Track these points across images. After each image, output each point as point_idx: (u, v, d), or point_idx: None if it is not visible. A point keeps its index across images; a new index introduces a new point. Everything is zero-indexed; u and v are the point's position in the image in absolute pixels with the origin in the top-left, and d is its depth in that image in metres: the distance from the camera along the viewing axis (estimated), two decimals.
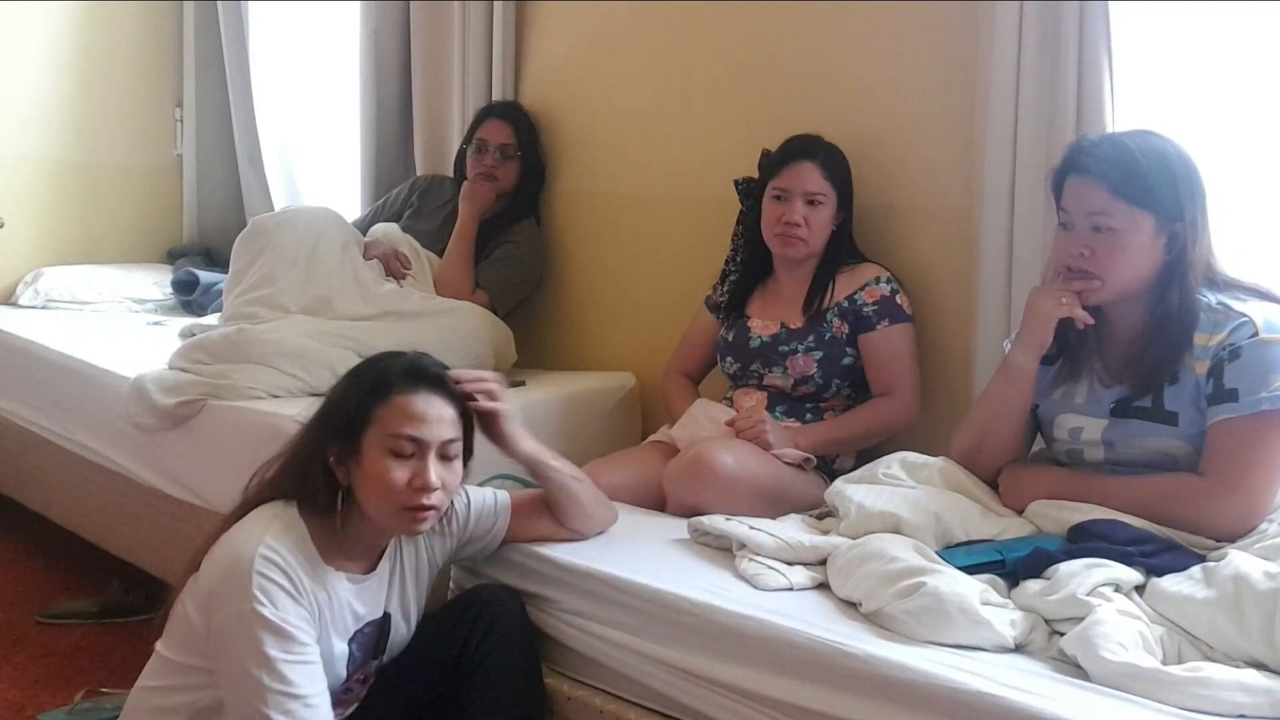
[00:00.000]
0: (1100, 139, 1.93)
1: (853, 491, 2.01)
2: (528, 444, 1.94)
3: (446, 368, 1.81)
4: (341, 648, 1.77)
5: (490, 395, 1.86)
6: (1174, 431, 1.83)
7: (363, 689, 1.88)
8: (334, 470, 1.73)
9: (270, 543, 1.66)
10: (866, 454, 2.40)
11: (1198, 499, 1.78)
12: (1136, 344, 1.89)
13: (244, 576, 1.62)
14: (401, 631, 1.89)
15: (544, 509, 2.02)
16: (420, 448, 1.70)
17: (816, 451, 2.39)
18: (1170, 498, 1.80)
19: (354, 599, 1.77)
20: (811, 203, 2.46)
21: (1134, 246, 1.84)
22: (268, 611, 1.61)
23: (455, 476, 1.77)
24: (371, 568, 1.81)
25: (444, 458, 1.74)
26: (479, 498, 1.98)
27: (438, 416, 1.72)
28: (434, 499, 1.70)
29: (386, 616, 1.85)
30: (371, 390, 1.73)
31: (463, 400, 1.80)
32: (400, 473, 1.69)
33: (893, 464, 2.08)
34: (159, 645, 1.78)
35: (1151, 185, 1.82)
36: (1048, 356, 1.99)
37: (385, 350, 1.84)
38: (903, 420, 2.45)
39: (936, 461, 2.06)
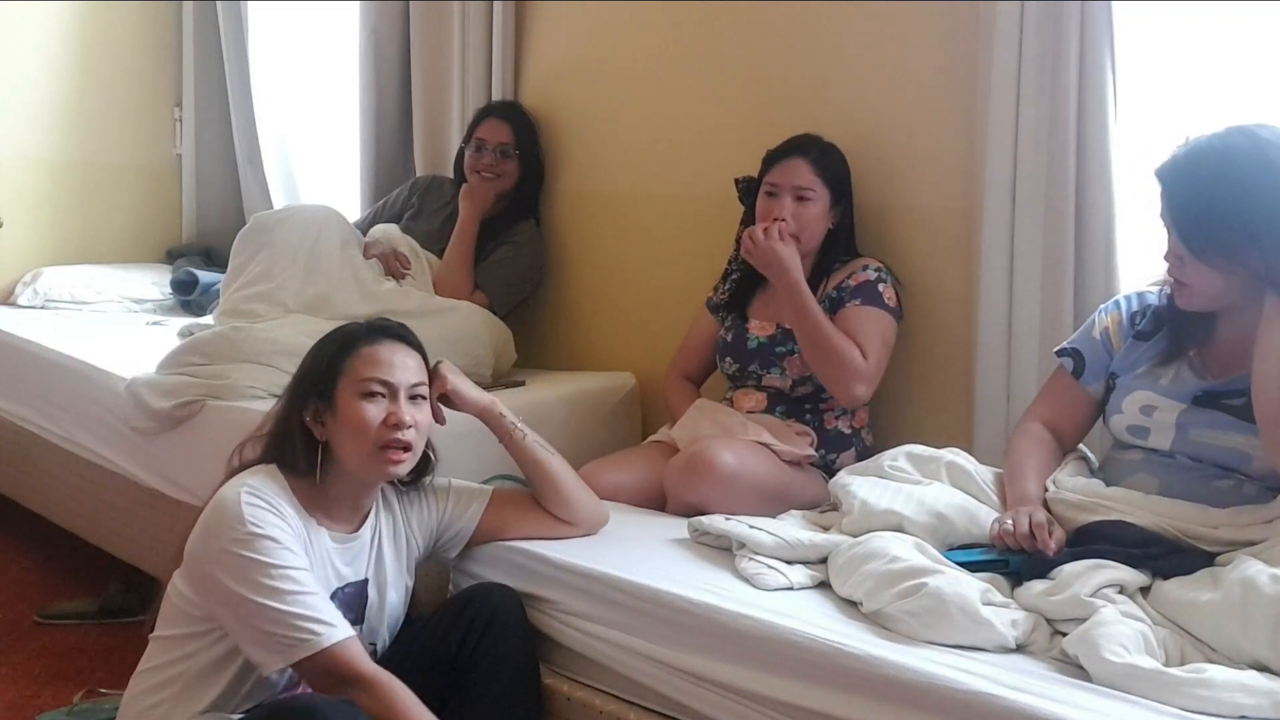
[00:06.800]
0: (1186, 179, 1.79)
1: (857, 486, 2.00)
2: (475, 391, 2.04)
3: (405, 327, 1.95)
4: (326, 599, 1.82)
5: None
6: (1256, 430, 1.78)
7: None
8: (311, 429, 1.83)
9: (251, 484, 1.76)
10: (866, 453, 2.41)
11: None
12: (1246, 344, 1.81)
13: (233, 511, 1.71)
14: (375, 605, 1.93)
15: (531, 502, 2.08)
16: (390, 390, 1.83)
17: (790, 307, 2.36)
18: None
19: (336, 556, 1.85)
20: (801, 198, 2.46)
21: (1213, 279, 1.81)
22: (262, 529, 1.71)
23: (425, 418, 1.89)
24: (354, 530, 1.89)
25: (413, 400, 1.86)
26: (461, 481, 2.07)
27: (402, 363, 1.86)
28: (407, 436, 1.82)
29: (365, 582, 1.91)
30: (340, 348, 1.86)
31: (423, 351, 1.93)
32: (374, 413, 1.81)
33: (899, 456, 2.07)
34: (152, 635, 1.84)
35: (1228, 250, 1.76)
36: (1142, 332, 1.97)
37: None
38: (857, 375, 2.33)
39: (944, 454, 2.06)
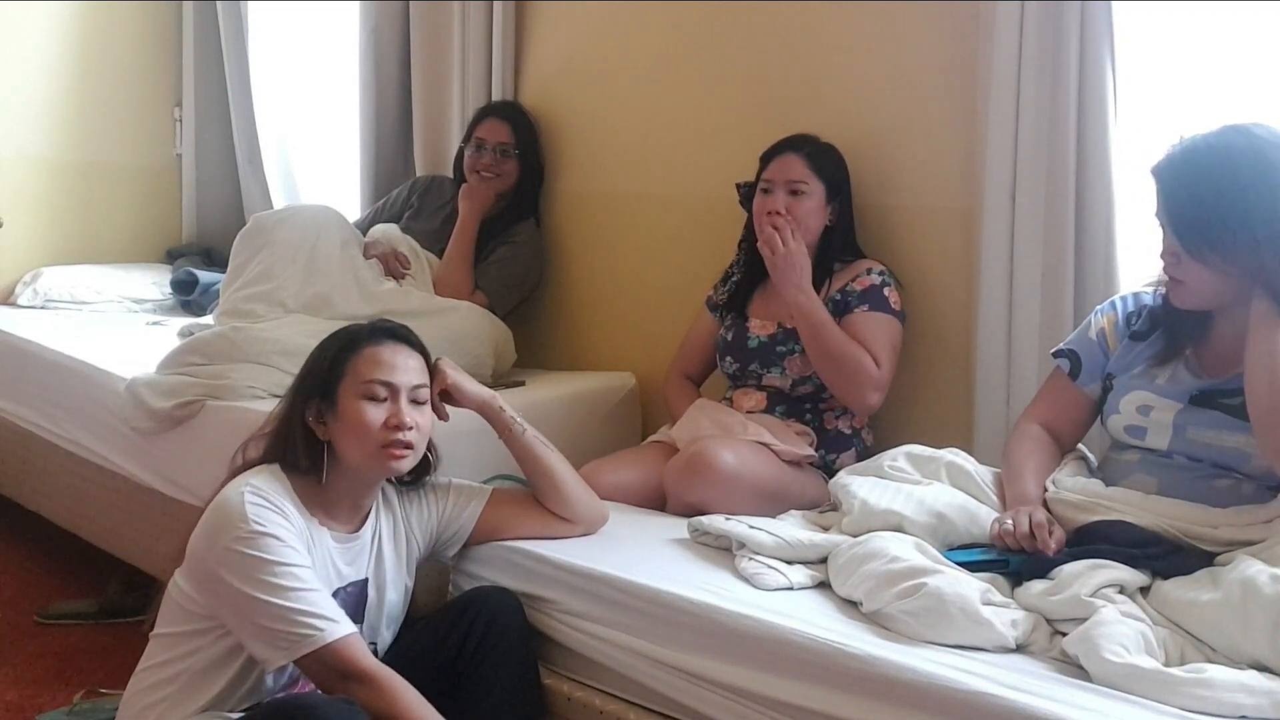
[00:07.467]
0: (1182, 177, 1.80)
1: (857, 486, 2.00)
2: (474, 386, 2.05)
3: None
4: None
5: None
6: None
7: None
8: (313, 429, 1.85)
9: (255, 484, 1.77)
10: (866, 453, 2.41)
11: None
12: (1242, 343, 1.80)
13: (236, 510, 1.73)
14: (374, 604, 1.93)
15: (530, 501, 2.08)
16: (392, 392, 1.85)
17: (803, 324, 2.37)
18: None
19: (337, 555, 1.86)
20: (795, 192, 2.46)
21: (1208, 277, 1.81)
22: (265, 527, 1.72)
23: (426, 420, 1.90)
24: (355, 530, 1.90)
25: (414, 402, 1.88)
26: (460, 481, 2.08)
27: (404, 364, 1.88)
28: (408, 437, 1.84)
29: (366, 581, 1.91)
30: (343, 348, 1.88)
31: (426, 353, 1.94)
32: (376, 414, 1.83)
33: (899, 457, 2.07)
34: (152, 634, 1.85)
35: (1224, 249, 1.75)
36: (1138, 332, 1.98)
37: None
38: (872, 384, 2.35)
39: (944, 455, 2.05)
